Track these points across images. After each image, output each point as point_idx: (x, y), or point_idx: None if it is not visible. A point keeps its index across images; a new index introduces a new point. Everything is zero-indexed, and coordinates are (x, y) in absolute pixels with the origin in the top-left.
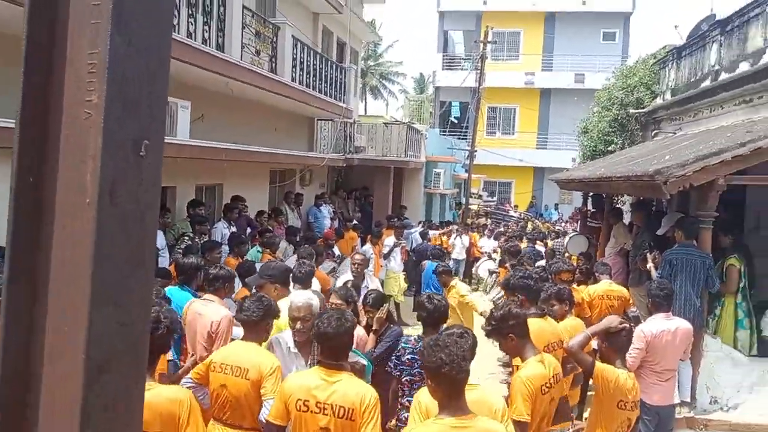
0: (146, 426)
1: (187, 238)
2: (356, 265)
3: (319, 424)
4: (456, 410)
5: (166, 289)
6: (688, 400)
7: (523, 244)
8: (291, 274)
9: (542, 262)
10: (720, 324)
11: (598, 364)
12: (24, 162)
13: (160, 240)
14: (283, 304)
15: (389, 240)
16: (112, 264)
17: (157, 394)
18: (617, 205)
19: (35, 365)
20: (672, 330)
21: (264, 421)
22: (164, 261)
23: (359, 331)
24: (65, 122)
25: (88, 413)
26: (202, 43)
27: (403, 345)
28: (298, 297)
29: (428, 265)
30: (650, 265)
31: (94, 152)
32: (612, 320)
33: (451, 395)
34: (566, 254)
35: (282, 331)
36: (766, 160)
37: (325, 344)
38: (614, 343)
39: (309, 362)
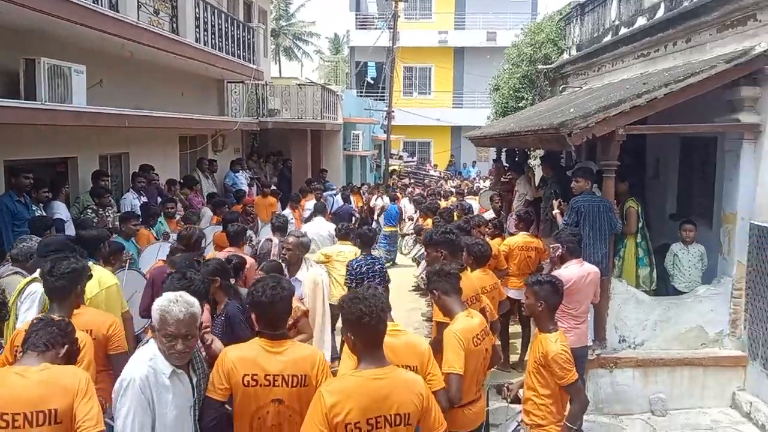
0: (41, 404)
1: (90, 210)
2: (288, 251)
3: (270, 396)
4: (374, 361)
5: None
6: (595, 340)
7: (444, 203)
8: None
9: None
10: (624, 263)
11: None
12: None
13: (64, 212)
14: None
15: (310, 204)
16: None
17: (52, 371)
18: (518, 160)
19: None
20: (585, 274)
21: None
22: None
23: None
24: None
25: None
26: (93, 2)
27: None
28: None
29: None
30: (556, 211)
31: None
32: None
33: (371, 346)
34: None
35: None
36: (661, 109)
37: (262, 314)
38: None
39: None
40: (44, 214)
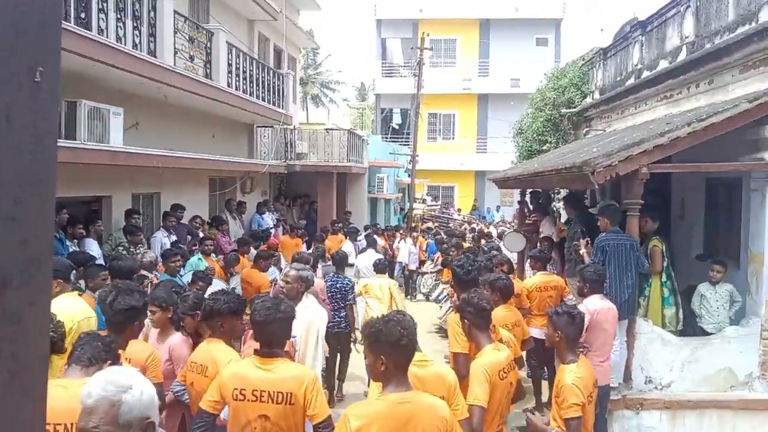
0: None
1: (122, 248)
2: (287, 283)
3: (257, 412)
4: (400, 385)
5: None
6: (621, 381)
7: (466, 244)
8: None
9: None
10: (649, 303)
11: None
12: None
13: (96, 250)
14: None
15: (346, 247)
16: (10, 184)
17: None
18: (542, 201)
19: None
20: (607, 309)
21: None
22: None
23: (176, 341)
24: None
25: None
26: (133, 48)
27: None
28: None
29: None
30: (583, 251)
31: None
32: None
33: (402, 369)
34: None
35: None
36: (684, 148)
37: (258, 332)
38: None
39: None
40: (79, 250)
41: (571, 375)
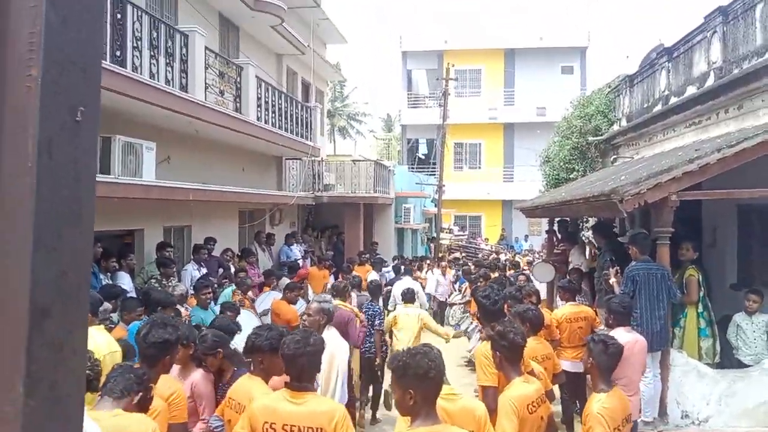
0: None
1: (154, 280)
2: (309, 316)
3: None
4: (429, 419)
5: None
6: (657, 416)
7: (494, 274)
8: None
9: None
10: (684, 334)
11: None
12: None
13: (128, 283)
14: None
15: (372, 275)
16: (51, 217)
17: (123, 418)
18: (570, 230)
19: None
20: (633, 342)
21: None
22: None
23: (197, 378)
24: (9, 95)
25: (33, 354)
26: (165, 84)
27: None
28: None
29: None
30: (613, 280)
31: (33, 119)
32: None
33: (430, 402)
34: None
35: None
36: (714, 175)
37: (287, 365)
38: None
39: None
40: (111, 282)
41: (599, 404)
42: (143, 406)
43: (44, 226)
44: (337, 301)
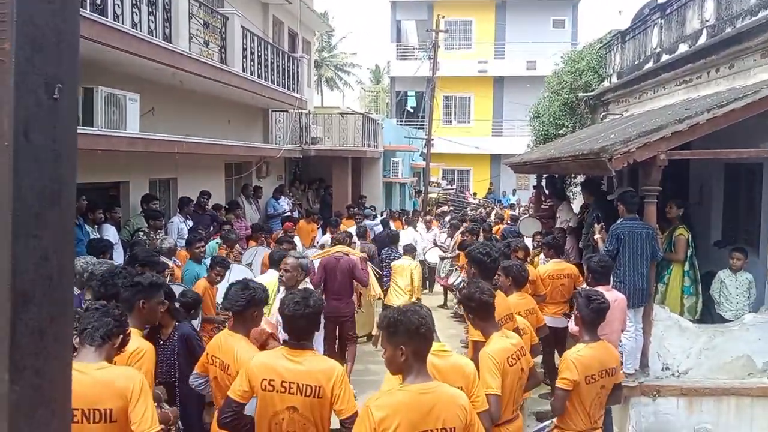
0: (98, 403)
1: (142, 233)
2: (286, 272)
3: (285, 403)
4: (421, 375)
5: None
6: (638, 368)
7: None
8: None
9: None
10: (668, 291)
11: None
12: None
13: (114, 235)
14: None
15: (351, 229)
16: (30, 199)
17: (109, 372)
18: (558, 186)
19: None
20: (612, 301)
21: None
22: (119, 256)
23: None
24: None
25: (18, 340)
26: (148, 34)
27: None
28: None
29: None
30: (597, 236)
31: (8, 96)
32: None
33: (421, 359)
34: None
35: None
36: (703, 135)
37: (287, 324)
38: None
39: None
40: (99, 236)
41: (575, 352)
42: (123, 345)
43: (23, 210)
44: (338, 248)
